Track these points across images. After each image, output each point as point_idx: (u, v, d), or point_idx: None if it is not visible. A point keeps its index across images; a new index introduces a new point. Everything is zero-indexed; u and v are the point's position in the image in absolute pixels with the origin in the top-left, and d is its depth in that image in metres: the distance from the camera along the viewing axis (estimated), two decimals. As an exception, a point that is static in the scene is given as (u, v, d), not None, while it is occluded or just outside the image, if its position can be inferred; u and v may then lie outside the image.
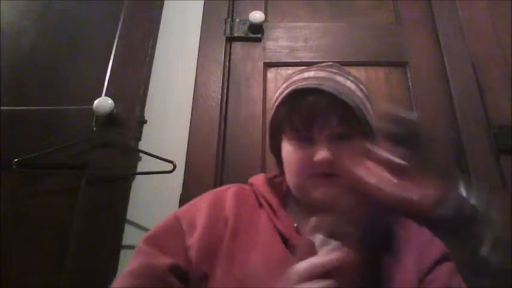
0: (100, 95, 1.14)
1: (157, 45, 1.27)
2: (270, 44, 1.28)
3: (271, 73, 1.25)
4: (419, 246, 0.62)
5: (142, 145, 1.12)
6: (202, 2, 1.33)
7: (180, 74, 1.22)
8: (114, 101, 1.10)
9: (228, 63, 1.24)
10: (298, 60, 1.25)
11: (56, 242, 1.01)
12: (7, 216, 1.04)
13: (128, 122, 1.12)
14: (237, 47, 1.28)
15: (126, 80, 1.19)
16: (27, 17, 1.36)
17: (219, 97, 1.18)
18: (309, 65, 1.22)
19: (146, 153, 1.07)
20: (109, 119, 1.10)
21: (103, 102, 1.09)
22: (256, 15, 1.26)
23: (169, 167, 1.03)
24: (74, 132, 1.12)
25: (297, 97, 0.65)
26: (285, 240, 0.61)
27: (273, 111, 0.70)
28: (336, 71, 0.69)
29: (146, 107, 1.17)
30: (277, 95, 0.71)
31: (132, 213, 1.04)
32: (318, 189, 0.62)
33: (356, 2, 1.36)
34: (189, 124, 1.14)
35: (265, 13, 1.30)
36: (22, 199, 1.07)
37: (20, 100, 1.21)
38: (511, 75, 1.18)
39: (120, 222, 1.03)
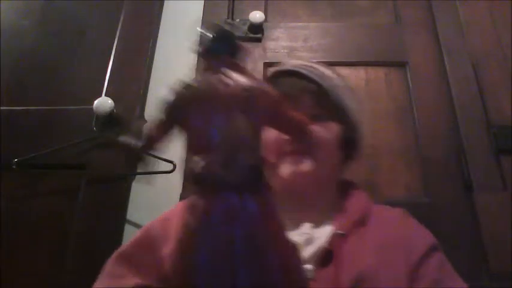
0: (100, 95, 1.14)
1: (157, 45, 1.27)
2: (270, 44, 1.28)
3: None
4: (406, 239, 0.60)
5: (143, 145, 1.12)
6: (202, 2, 1.33)
7: (180, 74, 1.22)
8: (114, 101, 1.10)
9: (228, 63, 1.24)
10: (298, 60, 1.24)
11: (56, 242, 1.01)
12: (7, 216, 1.04)
13: (127, 122, 1.12)
14: (237, 47, 1.28)
15: (126, 80, 1.19)
16: (27, 17, 1.36)
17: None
18: (309, 65, 1.25)
19: (146, 153, 1.07)
20: (109, 119, 1.10)
21: (103, 102, 1.09)
22: (256, 15, 1.26)
23: (169, 167, 1.02)
24: (74, 132, 1.11)
25: (272, 81, 0.67)
26: None
27: None
28: (316, 62, 0.72)
29: (146, 107, 1.17)
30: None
31: (132, 213, 1.04)
32: (290, 166, 0.62)
33: (356, 2, 1.36)
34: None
35: (265, 13, 1.30)
36: (22, 199, 1.07)
37: (20, 100, 1.21)
38: (511, 75, 1.18)
39: (120, 222, 1.03)
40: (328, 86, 0.66)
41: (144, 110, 1.16)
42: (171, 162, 1.03)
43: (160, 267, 0.56)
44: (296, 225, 0.62)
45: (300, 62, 0.70)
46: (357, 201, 0.67)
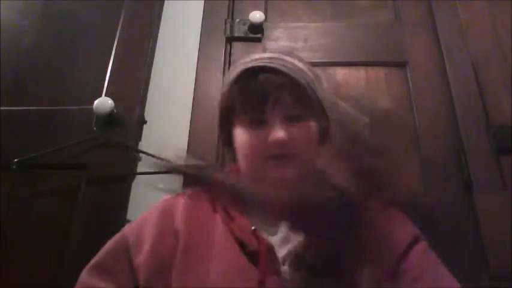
0: (100, 95, 1.14)
1: (157, 45, 1.27)
2: (270, 44, 1.28)
3: (271, 73, 1.25)
4: (387, 235, 0.59)
5: (142, 145, 1.12)
6: (202, 2, 1.33)
7: (180, 74, 1.22)
8: (114, 101, 1.10)
9: (228, 64, 1.24)
10: (298, 60, 1.24)
11: (56, 242, 1.01)
12: (7, 216, 1.04)
13: (127, 122, 1.12)
14: (237, 47, 1.28)
15: (126, 80, 1.19)
16: (27, 17, 1.36)
17: (220, 97, 1.18)
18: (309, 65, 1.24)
19: (146, 153, 1.07)
20: (109, 119, 1.10)
21: (103, 103, 1.09)
22: (256, 15, 1.26)
23: (169, 167, 1.02)
24: (74, 132, 1.11)
25: (247, 78, 0.63)
26: (244, 246, 0.57)
27: (222, 95, 0.67)
28: (286, 53, 0.68)
29: (146, 107, 1.17)
30: (227, 78, 0.68)
31: (132, 213, 1.04)
32: (274, 171, 0.60)
33: (356, 2, 1.36)
34: (189, 124, 1.14)
35: (265, 13, 1.30)
36: (22, 199, 1.07)
37: (20, 100, 1.21)
38: (511, 75, 1.18)
39: (120, 222, 1.02)
40: (303, 80, 0.63)
41: (144, 110, 1.16)
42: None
43: (134, 274, 0.56)
44: (275, 225, 0.61)
45: (266, 54, 0.66)
46: None
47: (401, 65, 1.24)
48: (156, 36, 1.28)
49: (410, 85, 1.20)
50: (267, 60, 0.63)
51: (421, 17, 1.31)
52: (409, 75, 1.22)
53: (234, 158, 0.68)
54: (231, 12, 1.33)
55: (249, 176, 0.64)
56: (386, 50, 1.26)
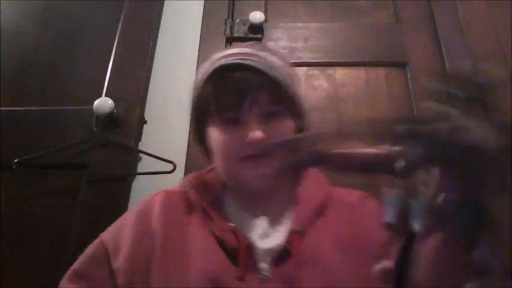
0: (100, 95, 1.14)
1: (157, 45, 1.27)
2: (270, 45, 1.28)
3: (271, 73, 1.25)
4: (366, 228, 0.58)
5: (142, 145, 1.12)
6: (202, 2, 1.33)
7: (180, 74, 1.22)
8: (114, 101, 1.10)
9: (228, 63, 1.24)
10: (298, 61, 1.24)
11: (56, 242, 1.01)
12: (7, 216, 1.04)
13: (127, 122, 1.12)
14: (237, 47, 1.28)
15: (126, 80, 1.19)
16: (27, 17, 1.36)
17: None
18: (309, 65, 1.25)
19: (146, 153, 1.07)
20: (109, 120, 1.10)
21: (103, 103, 1.09)
22: (256, 16, 1.26)
23: (169, 167, 1.03)
24: (74, 132, 1.12)
25: (221, 75, 0.61)
26: (223, 244, 0.56)
27: (195, 93, 0.65)
28: (260, 47, 0.66)
29: (146, 107, 1.17)
30: (199, 75, 0.65)
31: (132, 213, 1.04)
32: (251, 172, 0.59)
33: (356, 2, 1.36)
34: (189, 124, 1.14)
35: (265, 13, 1.30)
36: (22, 199, 1.07)
37: (20, 100, 1.21)
38: (511, 75, 1.18)
39: (120, 222, 1.03)
40: (280, 77, 0.61)
41: (144, 110, 1.16)
42: (171, 162, 1.03)
43: (114, 279, 0.55)
44: (253, 218, 0.61)
45: (240, 50, 0.63)
46: (313, 189, 0.64)
47: (401, 65, 1.24)
48: (156, 36, 1.28)
49: (410, 85, 1.20)
50: (242, 57, 0.61)
51: (421, 17, 1.31)
52: (409, 75, 1.22)
53: (208, 157, 0.67)
54: (231, 13, 1.33)
55: (227, 178, 0.64)
56: (386, 50, 1.26)
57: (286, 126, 0.61)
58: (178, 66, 1.24)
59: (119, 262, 0.56)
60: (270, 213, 0.61)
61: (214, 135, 0.61)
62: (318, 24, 1.32)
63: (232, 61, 0.60)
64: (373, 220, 0.58)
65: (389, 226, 0.31)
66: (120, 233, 0.60)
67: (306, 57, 1.25)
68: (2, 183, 1.08)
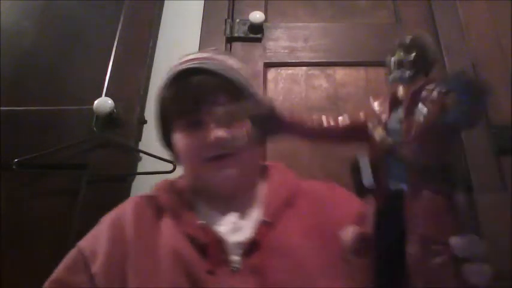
0: (100, 95, 1.14)
1: (157, 45, 1.27)
2: (270, 44, 1.28)
3: (271, 73, 1.25)
4: (334, 216, 0.58)
5: (142, 145, 1.12)
6: (202, 2, 1.33)
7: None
8: (114, 101, 1.10)
9: (228, 63, 1.24)
10: (298, 61, 1.25)
11: (56, 242, 1.01)
12: (7, 216, 1.04)
13: (127, 122, 1.12)
14: (237, 47, 1.28)
15: (126, 80, 1.19)
16: (27, 17, 1.36)
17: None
18: (309, 65, 1.25)
19: (146, 153, 1.07)
20: (109, 119, 1.10)
21: (103, 103, 1.09)
22: (256, 16, 1.26)
23: (170, 167, 1.02)
24: (74, 132, 1.12)
25: (180, 81, 0.63)
26: (193, 240, 0.57)
27: (158, 99, 0.67)
28: (218, 52, 0.68)
29: (146, 107, 1.17)
30: (160, 82, 0.68)
31: (132, 213, 1.04)
32: (217, 173, 0.60)
33: (356, 2, 1.36)
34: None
35: (265, 13, 1.30)
36: (22, 199, 1.07)
37: (20, 100, 1.21)
38: (511, 75, 1.18)
39: (120, 222, 1.03)
40: (238, 79, 0.63)
41: (144, 110, 1.16)
42: (171, 162, 1.03)
43: (93, 284, 0.56)
44: (223, 215, 0.62)
45: (198, 55, 0.66)
46: (282, 183, 0.66)
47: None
48: (156, 36, 1.28)
49: (410, 85, 1.20)
50: (200, 61, 0.63)
51: (421, 17, 1.31)
52: (409, 75, 1.21)
53: (177, 163, 0.69)
54: (231, 12, 1.33)
55: (193, 181, 0.65)
56: (386, 50, 1.26)
57: (247, 125, 0.62)
58: (178, 66, 1.24)
59: (96, 267, 0.57)
60: (240, 209, 0.62)
61: (179, 139, 0.63)
62: (318, 24, 1.32)
63: (190, 66, 0.62)
64: (341, 206, 0.59)
65: (367, 188, 0.31)
66: (96, 239, 0.62)
67: (306, 57, 1.25)
68: (2, 183, 1.08)
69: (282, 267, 0.54)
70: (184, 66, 0.63)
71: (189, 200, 0.64)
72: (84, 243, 0.63)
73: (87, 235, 0.65)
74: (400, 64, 0.34)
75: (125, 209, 0.65)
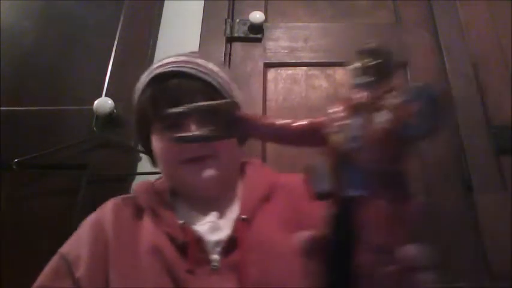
0: (100, 95, 1.14)
1: (157, 45, 1.27)
2: (270, 44, 1.28)
3: (271, 73, 1.25)
4: (309, 207, 0.58)
5: (143, 145, 1.12)
6: (202, 2, 1.33)
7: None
8: (114, 101, 1.10)
9: (228, 64, 1.24)
10: (298, 61, 1.25)
11: (56, 242, 1.01)
12: (7, 216, 1.04)
13: (127, 122, 1.12)
14: (237, 47, 1.28)
15: (126, 80, 1.19)
16: (27, 17, 1.36)
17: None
18: (309, 65, 1.25)
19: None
20: (109, 120, 1.10)
21: (103, 103, 1.09)
22: (257, 16, 1.26)
23: (170, 167, 1.02)
24: (74, 132, 1.12)
25: (158, 84, 0.63)
26: (173, 240, 0.58)
27: (136, 102, 0.67)
28: (197, 55, 0.68)
29: (146, 107, 1.17)
30: (138, 86, 0.68)
31: (132, 213, 1.04)
32: (196, 175, 0.60)
33: (356, 2, 1.36)
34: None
35: (265, 13, 1.30)
36: (22, 199, 1.07)
37: (20, 100, 1.21)
38: (511, 75, 1.18)
39: (120, 222, 1.03)
40: (219, 83, 0.64)
41: (144, 110, 1.16)
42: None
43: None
44: (202, 215, 0.62)
45: (176, 58, 0.66)
46: (258, 179, 0.66)
47: (401, 65, 1.24)
48: (156, 36, 1.28)
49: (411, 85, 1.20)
50: (178, 65, 0.63)
51: (421, 17, 1.31)
52: (409, 75, 1.22)
53: (155, 166, 0.69)
54: (231, 13, 1.33)
55: (172, 184, 0.65)
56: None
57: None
58: (178, 66, 1.24)
59: (80, 271, 0.57)
60: (219, 208, 0.63)
61: (157, 142, 0.63)
62: (318, 24, 1.32)
63: (168, 69, 0.63)
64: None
65: (322, 195, 0.32)
66: (78, 243, 0.62)
67: (306, 57, 1.25)
68: (2, 183, 1.08)
69: (261, 262, 0.55)
70: (162, 70, 0.63)
71: (168, 201, 0.64)
72: (65, 248, 0.62)
73: (68, 240, 0.64)
74: (362, 70, 0.33)
75: (104, 211, 0.65)
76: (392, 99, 0.29)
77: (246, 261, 0.55)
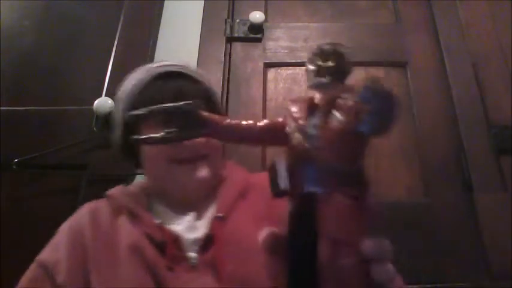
0: (100, 95, 1.14)
1: (157, 45, 1.27)
2: (270, 44, 1.28)
3: (271, 73, 1.25)
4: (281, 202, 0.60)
5: (143, 145, 1.12)
6: (202, 2, 1.33)
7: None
8: (114, 102, 1.10)
9: (228, 64, 1.24)
10: (298, 61, 1.25)
11: (56, 242, 1.01)
12: (7, 216, 1.04)
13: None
14: (237, 47, 1.28)
15: (126, 80, 1.19)
16: (27, 17, 1.36)
17: (219, 97, 1.18)
18: (309, 65, 1.25)
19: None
20: (109, 120, 1.10)
21: (103, 103, 1.09)
22: (256, 16, 1.27)
23: (170, 167, 1.03)
24: (74, 132, 1.12)
25: (158, 83, 0.65)
26: (152, 239, 0.58)
27: (125, 104, 0.68)
28: (183, 63, 0.72)
29: (146, 107, 1.17)
30: (131, 83, 0.69)
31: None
32: (189, 175, 0.61)
33: (356, 2, 1.36)
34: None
35: (265, 13, 1.30)
36: (22, 199, 1.07)
37: (20, 100, 1.21)
38: (511, 75, 1.18)
39: (120, 222, 1.03)
40: (209, 84, 0.68)
41: (144, 110, 1.16)
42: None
43: None
44: (180, 215, 0.63)
45: (165, 63, 0.69)
46: (233, 178, 0.68)
47: (401, 65, 1.24)
48: (156, 36, 1.28)
49: (410, 85, 1.20)
50: (170, 67, 0.66)
51: (421, 17, 1.31)
52: (409, 75, 1.22)
53: (136, 166, 0.70)
54: (231, 13, 1.33)
55: (161, 186, 0.66)
56: (386, 50, 1.26)
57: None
58: (178, 66, 1.24)
59: (61, 276, 0.58)
60: (196, 209, 0.64)
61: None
62: (318, 24, 1.32)
63: (169, 69, 0.65)
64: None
65: (279, 192, 0.33)
66: (56, 249, 0.62)
67: (306, 57, 1.25)
68: (2, 183, 1.08)
69: (236, 257, 0.56)
70: (164, 69, 0.65)
71: (144, 202, 0.65)
72: (44, 255, 0.63)
73: (46, 247, 0.65)
74: (318, 71, 0.35)
75: (81, 214, 0.65)
76: (347, 100, 0.31)
77: (223, 257, 0.56)
